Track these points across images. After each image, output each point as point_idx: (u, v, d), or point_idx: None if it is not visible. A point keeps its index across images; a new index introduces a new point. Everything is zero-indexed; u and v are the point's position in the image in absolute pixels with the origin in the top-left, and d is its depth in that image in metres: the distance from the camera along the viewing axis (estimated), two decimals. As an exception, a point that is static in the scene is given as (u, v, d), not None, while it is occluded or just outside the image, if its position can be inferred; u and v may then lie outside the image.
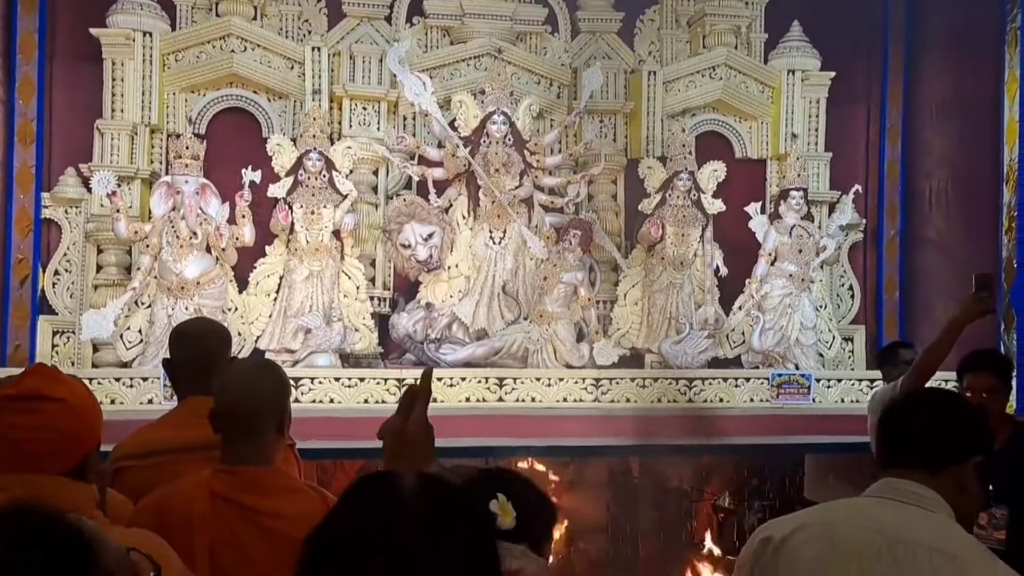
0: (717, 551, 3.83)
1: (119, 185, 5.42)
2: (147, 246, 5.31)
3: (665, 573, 5.78)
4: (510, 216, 5.77)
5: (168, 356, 2.39)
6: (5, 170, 5.12)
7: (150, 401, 4.95)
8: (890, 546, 1.57)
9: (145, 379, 5.01)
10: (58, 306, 5.37)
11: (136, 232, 5.31)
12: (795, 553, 1.71)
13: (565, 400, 5.58)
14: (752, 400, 5.91)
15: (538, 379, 5.54)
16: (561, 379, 5.58)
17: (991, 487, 2.97)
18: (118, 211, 5.27)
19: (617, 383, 5.69)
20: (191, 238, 5.33)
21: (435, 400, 5.28)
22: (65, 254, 5.42)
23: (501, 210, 5.78)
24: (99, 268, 5.53)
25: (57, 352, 5.21)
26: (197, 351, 2.28)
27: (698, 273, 6.17)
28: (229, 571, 1.78)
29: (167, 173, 5.50)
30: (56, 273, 5.41)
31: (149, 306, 5.29)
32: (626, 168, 6.26)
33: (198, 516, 1.79)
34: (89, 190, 5.46)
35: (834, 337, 6.44)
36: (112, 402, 4.79)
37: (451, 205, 5.80)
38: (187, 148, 5.38)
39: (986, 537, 3.00)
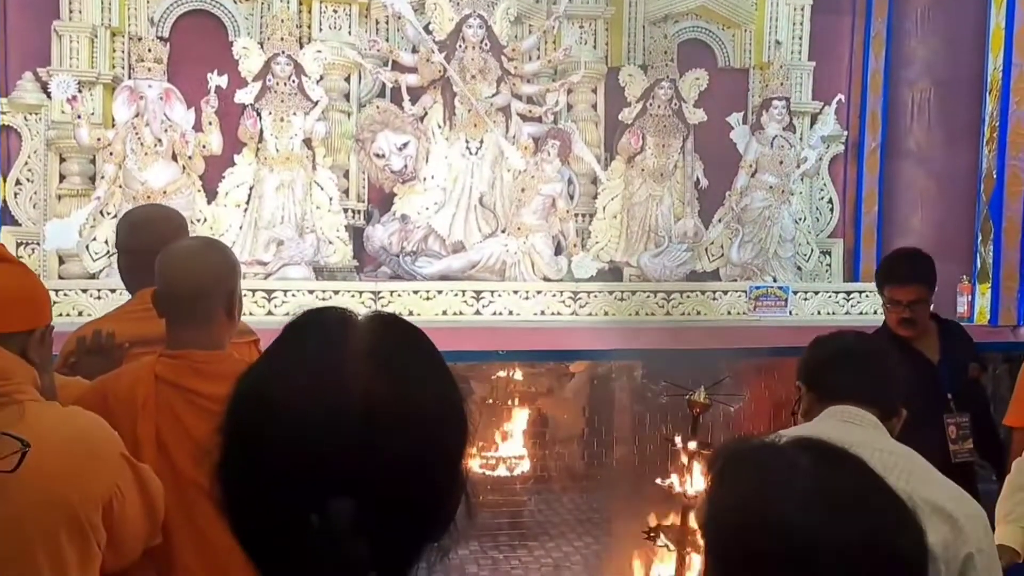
0: (692, 445, 3.90)
1: (79, 90, 5.23)
2: (111, 154, 5.17)
3: (642, 470, 5.92)
4: (487, 125, 5.67)
5: (119, 248, 2.27)
6: (-43, 74, 4.90)
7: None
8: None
9: (113, 290, 4.93)
10: (21, 217, 5.24)
11: (99, 140, 5.16)
12: None
13: (543, 313, 5.59)
14: (730, 313, 5.97)
15: (516, 292, 5.53)
16: (539, 292, 5.58)
17: (949, 396, 3.00)
18: (79, 117, 5.10)
19: (595, 296, 5.70)
20: (156, 146, 5.19)
21: (412, 313, 5.32)
22: (26, 163, 5.26)
23: (478, 119, 5.67)
24: (62, 177, 5.38)
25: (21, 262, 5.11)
26: (148, 238, 2.13)
27: (678, 185, 6.14)
28: (175, 455, 1.75)
29: (129, 78, 5.32)
30: (18, 183, 5.26)
31: (115, 216, 5.17)
32: (606, 76, 6.14)
33: (142, 400, 1.75)
34: (48, 96, 5.27)
35: (812, 250, 6.49)
36: (80, 314, 4.72)
37: (426, 113, 5.68)
38: (149, 51, 5.19)
39: (959, 451, 3.02)
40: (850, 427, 1.86)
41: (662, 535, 3.89)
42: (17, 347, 1.31)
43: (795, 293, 6.03)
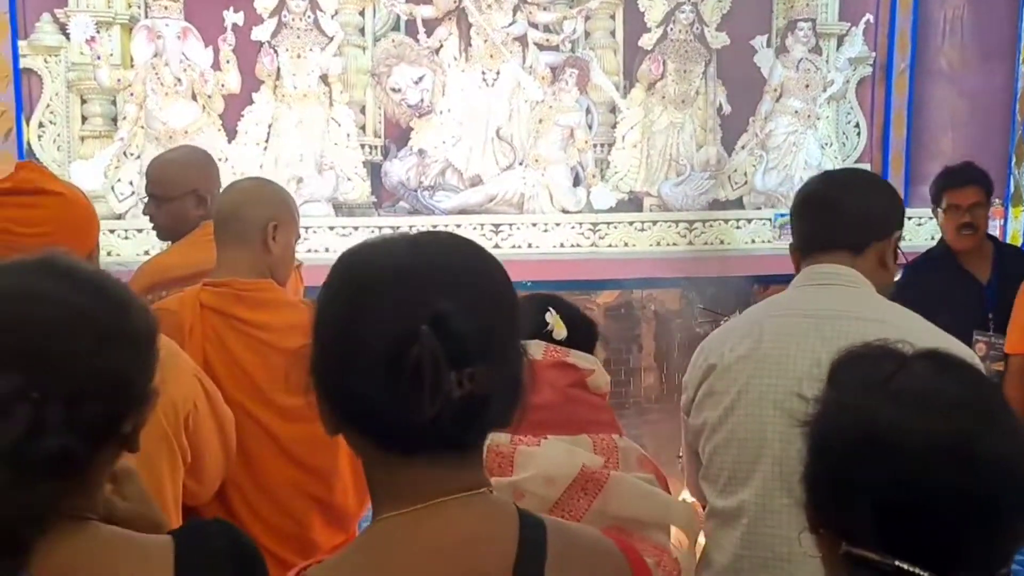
0: None
1: (97, 31, 5.27)
2: (131, 95, 5.26)
3: (670, 398, 5.98)
4: (503, 56, 5.61)
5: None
6: (-23, 18, 4.97)
7: (147, 252, 5.01)
8: (817, 326, 1.61)
9: (140, 230, 5.05)
10: (45, 159, 5.36)
11: (119, 80, 5.24)
12: (733, 370, 1.76)
13: (562, 245, 5.63)
14: (754, 241, 5.95)
15: (534, 225, 5.56)
16: (558, 224, 5.60)
17: (990, 315, 2.99)
18: (99, 58, 5.17)
19: (615, 227, 5.71)
20: (175, 85, 5.25)
21: (431, 246, 5.39)
22: (48, 105, 5.36)
23: (494, 49, 5.62)
24: (84, 119, 5.47)
25: (50, 205, 5.24)
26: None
27: (700, 112, 6.05)
28: (222, 380, 1.85)
29: (147, 17, 5.34)
30: (41, 125, 5.37)
31: (138, 157, 5.27)
32: (625, 2, 6.01)
33: (189, 327, 1.85)
34: (67, 37, 5.33)
35: (838, 176, 6.37)
36: (108, 254, 4.86)
37: (441, 46, 5.64)
38: (164, -11, 5.20)
39: (987, 371, 3.01)
40: (819, 291, 1.71)
41: None
42: None
43: (820, 220, 5.95)
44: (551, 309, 1.61)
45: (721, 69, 6.08)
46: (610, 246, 5.69)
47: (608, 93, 5.93)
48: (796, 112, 6.07)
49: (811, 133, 6.13)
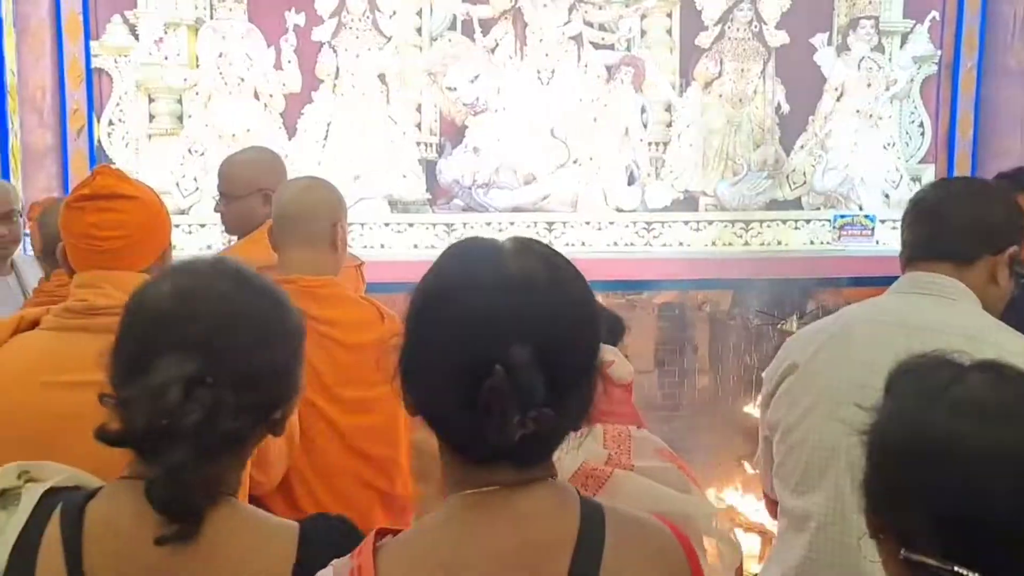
0: None
1: (165, 32, 5.44)
2: (196, 94, 5.41)
3: (725, 400, 5.95)
4: (558, 55, 5.63)
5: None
6: (54, 19, 5.18)
7: (209, 247, 5.16)
8: (908, 336, 1.56)
9: (203, 225, 5.20)
10: (115, 156, 5.56)
11: (185, 80, 5.40)
12: (816, 372, 1.73)
13: (616, 244, 5.62)
14: (812, 243, 5.88)
15: (588, 223, 5.58)
16: (612, 223, 5.61)
17: None
18: (166, 58, 5.33)
19: (670, 226, 5.69)
20: (239, 84, 5.39)
21: (485, 244, 5.43)
22: (118, 103, 5.56)
23: (549, 48, 5.64)
24: (152, 117, 5.64)
25: (119, 200, 5.43)
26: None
27: (758, 111, 5.98)
28: None
29: (212, 18, 5.49)
30: (110, 123, 5.56)
31: (202, 154, 5.42)
32: (682, 0, 5.96)
33: None
34: (136, 38, 5.50)
35: (901, 176, 6.25)
36: (172, 247, 5.00)
37: (497, 45, 5.68)
38: (228, -9, 5.35)
39: None
40: (915, 300, 1.62)
41: (752, 464, 3.96)
42: (154, 271, 1.40)
43: (882, 222, 5.87)
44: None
45: (780, 68, 6.01)
46: (664, 245, 5.67)
47: (664, 92, 5.91)
48: (857, 111, 5.98)
49: (873, 133, 6.02)
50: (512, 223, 5.49)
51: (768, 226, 5.85)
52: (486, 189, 5.64)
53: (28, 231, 4.54)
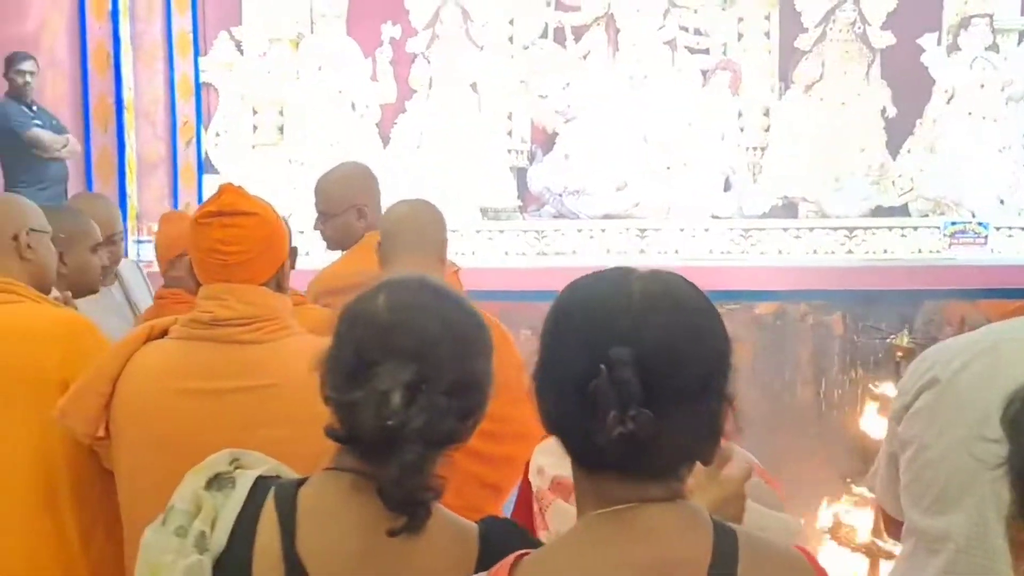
0: (893, 391, 3.72)
1: (268, 47, 5.69)
2: (297, 106, 5.62)
3: (829, 415, 5.73)
4: (652, 60, 5.61)
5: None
6: (165, 37, 5.49)
7: (307, 253, 5.31)
8: None
9: (302, 232, 5.36)
10: (220, 166, 5.82)
11: (286, 92, 5.62)
12: (959, 389, 1.65)
13: (711, 252, 5.53)
14: (921, 251, 5.63)
15: (682, 230, 5.50)
16: (707, 230, 5.52)
17: None
18: (268, 72, 5.57)
19: (768, 234, 5.56)
20: (337, 96, 5.57)
21: (575, 252, 5.42)
22: (224, 116, 5.82)
23: (642, 54, 5.63)
24: (255, 128, 5.90)
25: (223, 208, 5.68)
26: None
27: (862, 114, 5.80)
28: None
29: (312, 33, 5.72)
30: (216, 135, 5.84)
31: (302, 164, 5.63)
32: (781, 1, 5.86)
33: None
34: (241, 53, 5.78)
35: (1018, 181, 5.91)
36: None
37: (589, 51, 5.70)
38: (330, 7, 5.57)
39: None
40: None
41: (858, 482, 3.80)
42: (273, 283, 1.44)
43: (997, 229, 5.56)
44: None
45: (885, 69, 5.82)
46: (762, 253, 5.54)
47: (762, 95, 5.80)
48: (970, 114, 5.70)
49: (987, 136, 5.73)
50: (603, 230, 5.47)
51: (873, 233, 5.64)
52: (577, 196, 5.64)
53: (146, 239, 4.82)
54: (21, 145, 4.12)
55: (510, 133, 5.91)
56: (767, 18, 5.98)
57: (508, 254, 5.53)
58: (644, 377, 0.84)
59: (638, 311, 0.88)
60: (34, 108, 4.22)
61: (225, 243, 1.38)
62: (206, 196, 5.64)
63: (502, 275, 4.99)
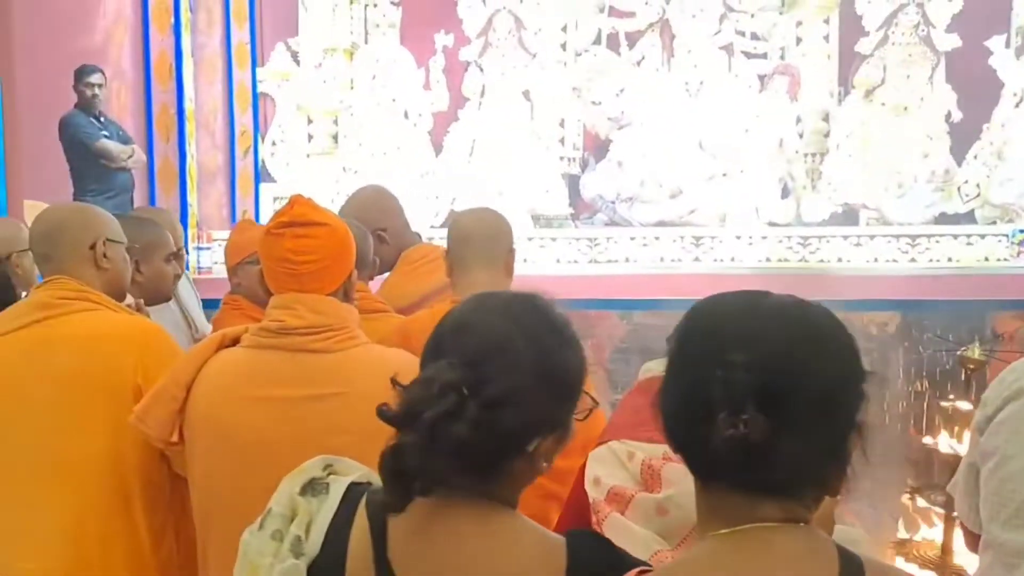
0: (965, 406, 3.64)
1: (324, 57, 5.80)
2: (351, 115, 5.71)
3: (893, 428, 5.61)
4: (708, 65, 5.57)
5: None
6: (224, 48, 5.63)
7: (360, 260, 5.40)
8: None
9: (355, 240, 5.44)
10: (277, 174, 5.94)
11: (340, 102, 5.73)
12: None
13: (768, 260, 5.46)
14: (987, 259, 5.48)
15: (738, 238, 5.45)
16: (764, 237, 5.46)
17: None
18: (324, 82, 5.68)
19: (827, 241, 5.48)
20: (390, 105, 5.65)
21: (628, 260, 5.40)
22: (280, 125, 5.94)
23: (698, 59, 5.60)
24: (310, 138, 6.01)
25: (279, 216, 5.80)
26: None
27: (925, 119, 5.68)
28: None
29: (366, 43, 5.81)
30: (273, 143, 5.96)
31: (356, 172, 5.72)
32: (841, 5, 5.78)
33: None
34: (297, 63, 5.90)
35: (1093, 187, 5.74)
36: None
37: (643, 57, 5.69)
38: (384, 16, 5.65)
39: None
40: None
41: (925, 496, 3.70)
42: (341, 293, 1.48)
43: (1069, 236, 5.38)
44: None
45: (950, 73, 5.69)
46: (821, 261, 5.46)
47: (821, 100, 5.72)
48: (1040, 117, 5.54)
49: (1059, 140, 5.56)
50: (657, 238, 5.44)
51: (937, 241, 5.51)
52: (630, 203, 5.62)
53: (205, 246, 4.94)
54: (90, 155, 4.27)
55: (562, 140, 5.93)
56: (826, 22, 5.90)
57: (560, 261, 5.54)
58: (761, 384, 0.84)
59: (761, 321, 0.88)
60: (102, 119, 4.37)
61: (296, 253, 1.41)
62: (262, 204, 5.79)
63: (554, 283, 4.98)
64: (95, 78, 4.26)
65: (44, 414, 1.52)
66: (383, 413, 0.96)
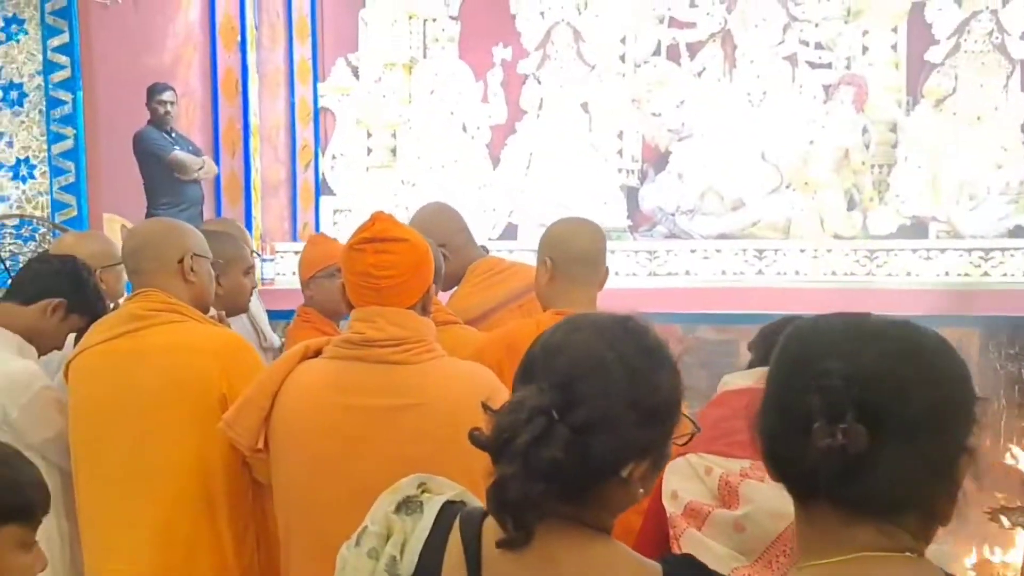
0: None
1: (384, 72, 5.93)
2: (409, 128, 5.83)
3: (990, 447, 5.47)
4: (771, 76, 5.56)
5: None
6: (287, 65, 5.80)
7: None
8: None
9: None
10: (337, 187, 6.08)
11: (399, 115, 5.85)
12: None
13: (834, 273, 5.41)
14: (1065, 275, 5.32)
15: (802, 251, 5.41)
16: (829, 251, 5.40)
17: None
18: (383, 96, 5.80)
19: (895, 255, 5.40)
20: (448, 118, 5.75)
21: (688, 273, 5.39)
22: (340, 139, 6.08)
23: (761, 69, 5.59)
24: (369, 151, 6.14)
25: (337, 228, 5.91)
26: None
27: (999, 129, 5.56)
28: None
29: (425, 57, 5.93)
30: (333, 157, 6.10)
31: (414, 185, 5.82)
32: (909, 12, 5.70)
33: None
34: (358, 78, 6.04)
35: None
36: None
37: (704, 68, 5.70)
38: (443, 31, 5.76)
39: None
40: None
41: (1009, 517, 3.64)
42: (419, 306, 1.53)
43: None
44: None
45: (1026, 81, 5.57)
46: (889, 275, 5.38)
47: (888, 110, 5.66)
48: (1122, 125, 5.39)
49: None
50: (718, 250, 5.43)
51: (1011, 255, 5.38)
52: (690, 215, 5.62)
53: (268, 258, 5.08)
54: (163, 169, 4.44)
55: (620, 152, 5.96)
56: (894, 30, 5.82)
57: (618, 274, 5.54)
58: (861, 395, 0.83)
59: (862, 336, 0.88)
60: (173, 135, 4.54)
61: (377, 268, 1.47)
62: (322, 217, 5.92)
63: (611, 296, 5.00)
64: (167, 95, 4.43)
65: (135, 422, 1.60)
66: (475, 439, 0.97)
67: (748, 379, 1.42)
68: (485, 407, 0.99)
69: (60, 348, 1.86)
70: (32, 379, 1.72)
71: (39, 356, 1.81)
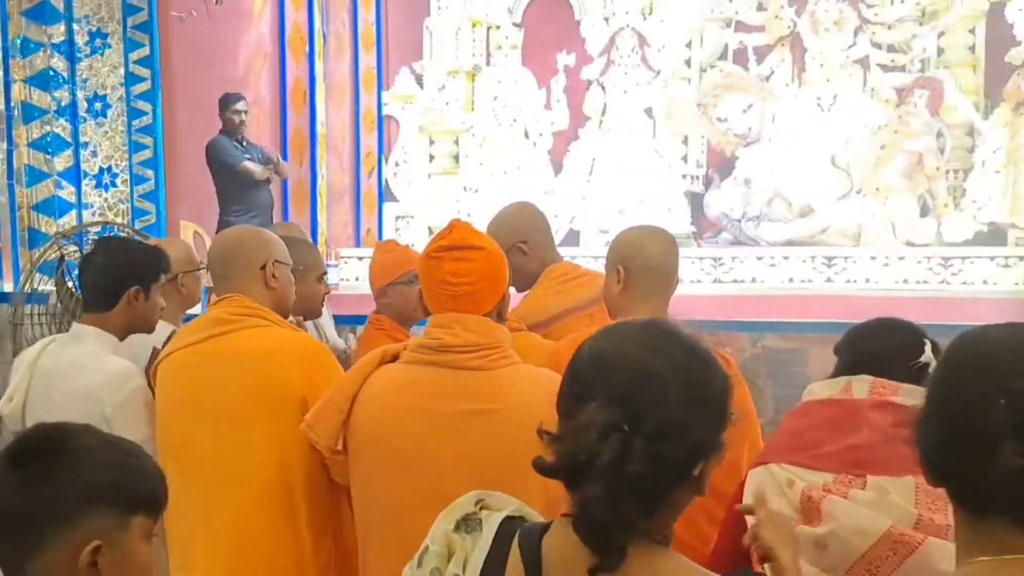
0: None
1: (447, 79, 6.02)
2: (472, 135, 5.90)
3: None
4: (841, 79, 5.49)
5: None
6: (352, 73, 5.93)
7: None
8: None
9: (476, 259, 5.61)
10: (399, 194, 6.18)
11: (462, 122, 5.92)
12: None
13: (906, 281, 5.31)
14: None
15: (873, 258, 5.32)
16: (901, 258, 5.31)
17: None
18: (446, 104, 5.89)
19: (972, 263, 5.27)
20: (511, 125, 5.81)
21: (755, 280, 5.34)
22: (403, 147, 6.18)
23: (831, 73, 5.53)
24: (431, 158, 6.23)
25: (400, 235, 6.02)
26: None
27: (1083, 132, 5.38)
28: None
29: (488, 64, 6.00)
30: (396, 164, 6.21)
31: (476, 191, 5.89)
32: (988, 13, 5.56)
33: None
34: (421, 86, 6.14)
35: None
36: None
37: (772, 72, 5.65)
38: (506, 38, 5.83)
39: None
40: None
41: None
42: (495, 313, 1.55)
43: None
44: (928, 341, 1.49)
45: (1114, 81, 5.38)
46: (965, 284, 5.25)
47: (965, 114, 5.53)
48: None
49: None
50: (786, 257, 5.37)
51: (1096, 263, 5.20)
52: (757, 222, 5.57)
53: (332, 263, 5.21)
54: (234, 177, 4.59)
55: (685, 158, 5.94)
56: (971, 32, 5.69)
57: (682, 281, 5.51)
58: None
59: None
60: (244, 143, 4.69)
61: (455, 275, 1.51)
62: (385, 223, 6.02)
63: (676, 303, 4.97)
64: (240, 105, 4.59)
65: (220, 423, 1.67)
66: (540, 467, 0.97)
67: (833, 388, 1.39)
68: (544, 433, 0.99)
69: (156, 323, 1.94)
70: (128, 377, 1.81)
71: (150, 333, 1.91)
